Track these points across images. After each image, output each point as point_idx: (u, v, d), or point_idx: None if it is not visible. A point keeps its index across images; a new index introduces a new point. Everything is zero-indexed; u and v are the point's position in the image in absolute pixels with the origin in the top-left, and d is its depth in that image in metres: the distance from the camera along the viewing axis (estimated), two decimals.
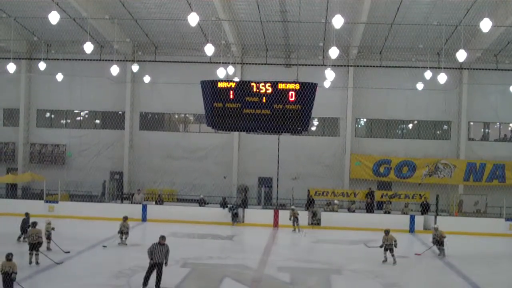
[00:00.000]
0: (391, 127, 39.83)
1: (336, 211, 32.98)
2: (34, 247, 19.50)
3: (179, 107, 40.54)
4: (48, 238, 21.85)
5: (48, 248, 21.62)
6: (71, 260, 19.87)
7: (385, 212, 33.74)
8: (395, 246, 21.68)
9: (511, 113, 38.60)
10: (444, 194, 35.82)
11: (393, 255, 21.61)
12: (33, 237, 19.54)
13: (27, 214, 24.28)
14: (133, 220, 28.71)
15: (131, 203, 34.48)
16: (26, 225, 22.89)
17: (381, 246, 22.12)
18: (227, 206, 32.72)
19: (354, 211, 34.24)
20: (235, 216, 31.83)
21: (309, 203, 33.78)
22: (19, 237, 23.68)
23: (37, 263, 19.27)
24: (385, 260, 21.76)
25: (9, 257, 14.82)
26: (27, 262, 19.14)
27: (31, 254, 19.41)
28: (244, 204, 34.10)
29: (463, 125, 38.32)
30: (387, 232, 22.05)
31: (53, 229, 22.28)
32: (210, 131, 35.71)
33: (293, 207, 31.36)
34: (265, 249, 24.67)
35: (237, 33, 36.21)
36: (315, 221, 32.18)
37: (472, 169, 37.83)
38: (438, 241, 23.84)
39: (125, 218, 24.22)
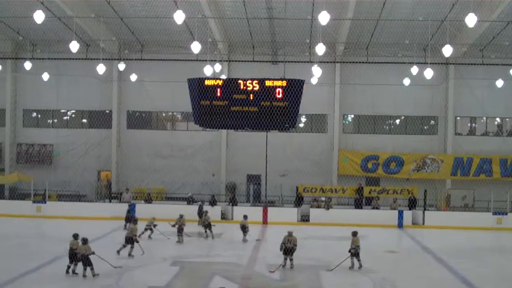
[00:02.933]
0: (379, 123, 39.96)
1: (325, 208, 32.96)
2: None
3: (167, 106, 40.43)
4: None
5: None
6: (60, 260, 19.74)
7: (373, 208, 33.83)
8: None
9: (497, 108, 38.86)
10: (432, 189, 35.97)
11: (359, 260, 19.84)
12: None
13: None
14: (122, 219, 28.62)
15: (119, 202, 34.40)
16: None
17: (349, 251, 19.91)
18: (216, 204, 32.70)
19: (331, 207, 33.61)
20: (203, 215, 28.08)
21: (299, 201, 33.78)
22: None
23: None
24: (352, 266, 19.94)
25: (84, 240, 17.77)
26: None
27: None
28: (233, 202, 34.03)
29: (450, 120, 38.52)
30: (354, 233, 20.25)
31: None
32: (198, 129, 35.72)
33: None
34: (255, 246, 24.68)
35: (224, 31, 36.16)
36: (305, 218, 32.20)
37: (459, 163, 38.04)
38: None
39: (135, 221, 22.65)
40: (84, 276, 17.53)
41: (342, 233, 27.32)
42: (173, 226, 25.17)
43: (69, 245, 17.97)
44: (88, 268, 17.56)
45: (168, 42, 38.00)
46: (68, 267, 17.86)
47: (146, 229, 25.53)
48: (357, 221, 30.27)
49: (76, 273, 17.83)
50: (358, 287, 17.85)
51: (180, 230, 24.92)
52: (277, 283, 17.69)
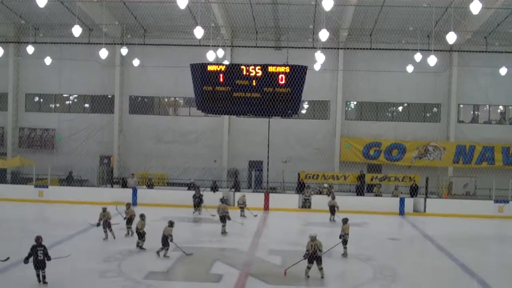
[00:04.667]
0: (381, 110, 39.87)
1: (327, 194, 32.94)
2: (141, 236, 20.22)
3: (169, 91, 40.38)
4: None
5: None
6: (61, 245, 19.81)
7: (375, 195, 33.80)
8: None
9: (500, 96, 38.78)
10: (434, 176, 35.93)
11: (345, 248, 19.58)
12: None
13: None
14: (124, 204, 28.62)
15: (122, 187, 34.44)
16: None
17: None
18: (217, 190, 32.72)
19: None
20: (199, 203, 29.96)
21: (301, 187, 33.78)
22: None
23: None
24: (345, 254, 19.59)
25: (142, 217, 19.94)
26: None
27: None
28: (236, 187, 34.03)
29: (452, 107, 38.44)
30: (345, 220, 19.84)
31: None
32: (200, 115, 35.79)
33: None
34: (256, 233, 24.72)
35: (227, 16, 36.01)
36: (307, 204, 32.18)
37: (461, 151, 38.00)
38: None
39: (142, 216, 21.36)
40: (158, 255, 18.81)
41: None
42: (98, 223, 22.13)
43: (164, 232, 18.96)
44: (165, 249, 18.81)
45: (170, 27, 37.83)
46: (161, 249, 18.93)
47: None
48: (358, 208, 30.29)
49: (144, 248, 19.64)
50: (358, 274, 17.85)
51: (107, 225, 21.83)
52: (277, 269, 17.70)
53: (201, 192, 30.38)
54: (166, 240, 18.86)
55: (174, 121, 40.50)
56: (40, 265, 15.17)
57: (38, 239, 15.42)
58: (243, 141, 39.11)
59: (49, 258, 15.31)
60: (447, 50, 36.54)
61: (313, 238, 16.72)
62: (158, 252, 18.92)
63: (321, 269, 16.64)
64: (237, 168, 38.62)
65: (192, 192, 31.00)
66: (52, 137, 40.56)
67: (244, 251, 20.65)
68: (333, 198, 28.71)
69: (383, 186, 34.98)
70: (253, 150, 38.03)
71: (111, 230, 21.74)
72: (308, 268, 16.76)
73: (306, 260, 16.68)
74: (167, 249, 18.87)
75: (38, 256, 15.16)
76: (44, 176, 34.28)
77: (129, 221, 22.39)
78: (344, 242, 19.64)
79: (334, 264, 18.72)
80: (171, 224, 19.18)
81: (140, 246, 20.06)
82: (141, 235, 20.09)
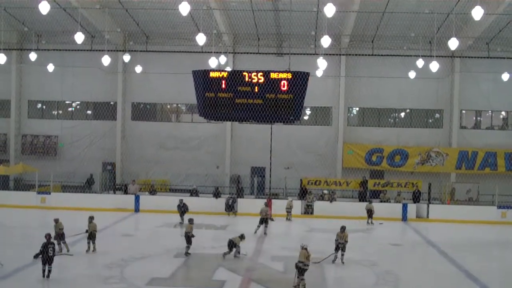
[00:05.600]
0: (383, 116, 39.87)
1: (329, 201, 32.92)
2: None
3: (171, 97, 40.44)
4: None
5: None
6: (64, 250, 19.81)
7: (381, 201, 33.71)
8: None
9: (503, 101, 38.76)
10: (436, 182, 35.88)
11: (343, 255, 19.73)
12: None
13: None
14: (126, 210, 28.68)
15: (124, 193, 34.45)
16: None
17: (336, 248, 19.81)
18: (220, 196, 32.76)
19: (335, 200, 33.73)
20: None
21: (303, 193, 33.76)
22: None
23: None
24: (335, 260, 19.78)
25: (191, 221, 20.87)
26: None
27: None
28: (239, 193, 34.05)
29: (455, 113, 38.42)
30: (343, 229, 20.05)
31: None
32: (202, 121, 35.85)
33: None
34: (259, 239, 24.70)
35: (229, 23, 36.10)
36: (309, 210, 32.21)
37: (464, 157, 37.97)
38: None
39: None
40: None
41: (347, 226, 27.35)
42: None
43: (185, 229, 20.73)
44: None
45: (173, 34, 37.90)
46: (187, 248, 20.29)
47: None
48: (361, 214, 30.26)
49: (189, 253, 20.28)
50: (361, 280, 17.87)
51: (58, 237, 19.96)
52: (280, 275, 17.73)
53: (184, 202, 28.40)
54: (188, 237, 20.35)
55: (177, 128, 40.54)
56: (48, 261, 16.16)
57: (48, 236, 16.50)
58: (246, 147, 39.13)
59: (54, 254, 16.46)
60: (449, 56, 36.52)
61: (303, 248, 16.59)
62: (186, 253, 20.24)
63: (302, 279, 15.99)
64: (240, 174, 38.61)
65: (196, 198, 31.02)
66: (54, 143, 40.61)
67: (246, 257, 20.63)
68: (370, 202, 30.59)
69: (381, 193, 34.96)
70: (256, 156, 38.05)
71: (64, 242, 20.05)
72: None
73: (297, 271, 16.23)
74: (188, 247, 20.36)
75: (49, 252, 16.15)
76: (47, 183, 34.31)
77: (91, 236, 20.56)
78: (343, 249, 19.63)
79: (337, 270, 18.74)
80: (190, 221, 21.03)
81: (186, 252, 20.44)
82: (189, 239, 20.55)
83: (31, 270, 17.42)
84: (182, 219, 27.55)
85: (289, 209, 30.56)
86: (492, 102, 38.56)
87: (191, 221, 21.01)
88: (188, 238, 20.42)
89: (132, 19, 36.03)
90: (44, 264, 16.14)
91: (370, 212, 29.90)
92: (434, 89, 38.26)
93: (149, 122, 40.82)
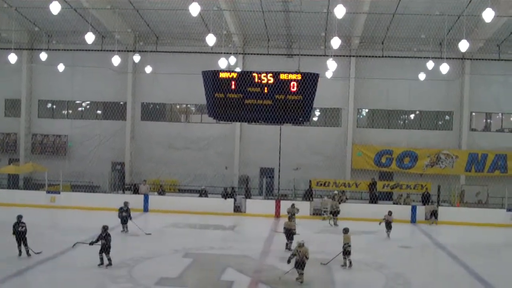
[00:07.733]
0: (393, 118, 39.76)
1: (339, 201, 32.82)
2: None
3: (181, 98, 40.47)
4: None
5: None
6: (73, 250, 19.87)
7: (394, 203, 33.56)
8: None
9: None
10: (445, 184, 35.71)
11: (348, 258, 19.42)
12: None
13: None
14: (135, 210, 28.71)
15: (133, 193, 34.52)
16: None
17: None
18: (230, 197, 32.77)
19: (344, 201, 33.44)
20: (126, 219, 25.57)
21: (310, 194, 33.71)
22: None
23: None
24: (344, 265, 19.40)
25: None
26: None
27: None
28: (247, 194, 34.05)
29: (465, 115, 38.25)
30: (345, 230, 19.75)
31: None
32: (211, 122, 35.57)
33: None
34: (267, 239, 24.70)
35: (239, 23, 36.10)
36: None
37: (474, 159, 37.78)
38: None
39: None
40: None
41: (355, 227, 27.28)
42: None
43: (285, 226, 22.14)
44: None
45: (183, 34, 37.97)
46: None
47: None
48: (369, 215, 30.14)
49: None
50: (370, 282, 17.83)
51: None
52: (288, 276, 17.69)
53: (128, 207, 25.47)
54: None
55: (186, 128, 40.59)
56: (106, 250, 17.90)
57: (105, 228, 18.24)
58: (255, 148, 39.12)
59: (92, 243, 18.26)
60: (460, 58, 36.38)
61: (300, 245, 17.15)
62: None
63: (301, 274, 16.94)
64: (248, 175, 38.60)
65: (204, 199, 31.03)
66: (64, 143, 40.73)
67: (255, 258, 20.64)
68: (390, 214, 26.97)
69: (394, 194, 34.84)
70: (264, 157, 38.06)
71: (25, 245, 19.23)
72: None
73: (294, 267, 17.09)
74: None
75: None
76: (56, 182, 34.46)
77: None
78: (348, 253, 19.37)
79: (346, 272, 18.70)
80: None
81: (288, 248, 21.28)
82: (291, 235, 21.64)
83: (41, 268, 17.51)
84: (124, 228, 25.01)
85: (335, 211, 30.11)
86: (502, 104, 38.35)
87: (291, 218, 24.15)
88: (290, 234, 21.86)
89: (142, 20, 36.13)
90: (100, 253, 17.91)
91: (388, 224, 26.40)
92: (444, 91, 38.12)
93: (159, 122, 40.87)
